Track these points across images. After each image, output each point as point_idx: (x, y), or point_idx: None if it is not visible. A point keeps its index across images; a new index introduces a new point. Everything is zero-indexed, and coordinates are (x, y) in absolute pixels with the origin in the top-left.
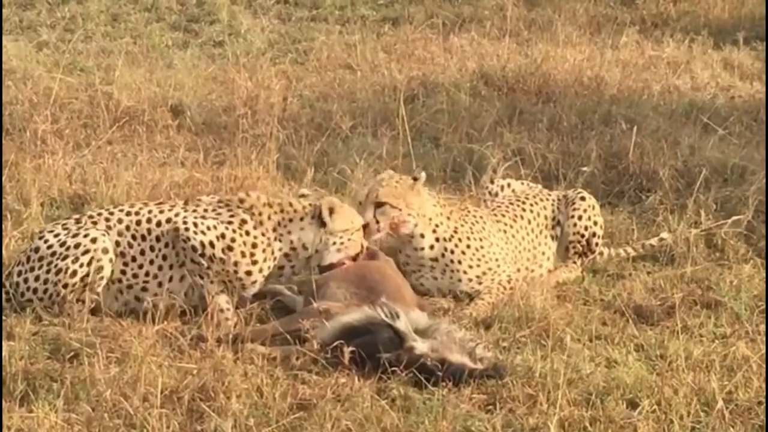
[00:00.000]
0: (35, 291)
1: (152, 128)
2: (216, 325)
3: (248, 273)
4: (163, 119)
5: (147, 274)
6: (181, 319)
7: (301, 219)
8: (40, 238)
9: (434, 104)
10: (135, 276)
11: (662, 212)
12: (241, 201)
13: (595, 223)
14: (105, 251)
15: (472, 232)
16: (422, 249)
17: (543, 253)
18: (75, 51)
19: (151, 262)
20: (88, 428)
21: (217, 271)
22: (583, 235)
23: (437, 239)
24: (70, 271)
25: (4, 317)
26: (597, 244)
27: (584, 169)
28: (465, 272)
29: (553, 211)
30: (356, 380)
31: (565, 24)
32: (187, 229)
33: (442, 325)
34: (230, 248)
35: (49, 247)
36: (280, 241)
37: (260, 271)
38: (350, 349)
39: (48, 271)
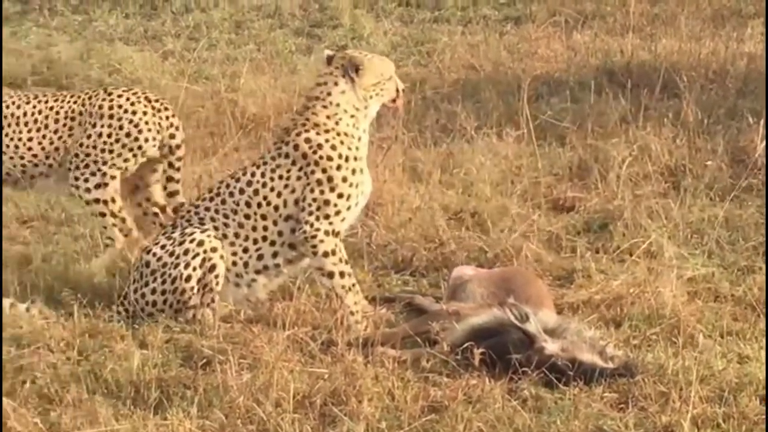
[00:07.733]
0: (155, 304)
1: None
2: (346, 329)
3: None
4: None
5: (255, 241)
6: (311, 324)
7: (343, 91)
8: (148, 253)
9: (558, 102)
10: (245, 251)
11: None
12: (286, 131)
13: None
14: (214, 250)
15: None
16: None
17: None
18: (200, 59)
19: (254, 228)
20: None
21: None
22: None
23: None
24: (184, 277)
25: (136, 326)
26: None
27: (709, 163)
28: None
29: None
30: (487, 381)
31: (689, 18)
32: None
33: (571, 325)
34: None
35: (159, 259)
36: (347, 134)
37: (362, 171)
38: (480, 350)
39: (163, 282)
